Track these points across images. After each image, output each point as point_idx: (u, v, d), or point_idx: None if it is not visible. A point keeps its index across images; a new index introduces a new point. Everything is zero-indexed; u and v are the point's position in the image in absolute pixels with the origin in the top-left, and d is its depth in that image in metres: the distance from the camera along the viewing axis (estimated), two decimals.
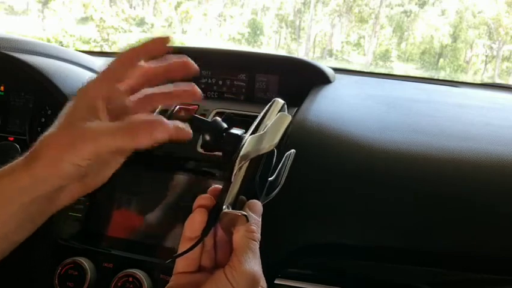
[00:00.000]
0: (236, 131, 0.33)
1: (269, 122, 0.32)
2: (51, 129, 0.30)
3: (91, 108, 0.30)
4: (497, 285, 0.47)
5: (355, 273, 0.50)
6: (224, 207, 0.30)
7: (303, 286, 0.47)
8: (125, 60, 0.32)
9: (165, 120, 0.29)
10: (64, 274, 0.52)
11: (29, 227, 0.32)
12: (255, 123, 0.33)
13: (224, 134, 0.33)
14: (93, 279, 0.51)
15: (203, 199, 0.32)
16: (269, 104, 0.35)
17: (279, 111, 0.33)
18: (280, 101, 0.35)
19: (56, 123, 0.30)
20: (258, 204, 0.32)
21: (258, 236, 0.30)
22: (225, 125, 0.33)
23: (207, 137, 0.32)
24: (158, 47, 0.33)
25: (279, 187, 0.36)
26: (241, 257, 0.28)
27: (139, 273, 0.50)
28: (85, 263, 0.51)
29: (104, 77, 0.32)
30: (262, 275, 0.30)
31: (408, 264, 0.48)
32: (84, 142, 0.28)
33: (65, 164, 0.28)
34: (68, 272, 0.51)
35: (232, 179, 0.31)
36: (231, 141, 0.32)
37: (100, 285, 0.52)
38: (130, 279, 0.50)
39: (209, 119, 0.34)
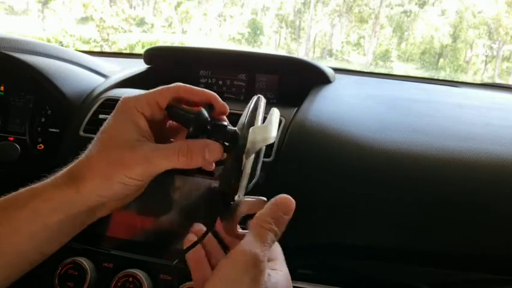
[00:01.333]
0: (221, 122, 0.34)
1: (260, 116, 0.33)
2: (94, 148, 0.31)
3: (137, 127, 0.31)
4: (497, 285, 0.47)
5: (355, 273, 0.50)
6: (236, 197, 0.30)
7: (303, 286, 0.47)
8: (168, 89, 0.33)
9: (216, 142, 0.32)
10: (64, 274, 0.51)
11: (63, 241, 0.34)
12: (247, 116, 0.33)
13: (209, 126, 0.32)
14: (93, 279, 0.51)
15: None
16: (253, 100, 0.35)
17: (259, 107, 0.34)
18: (263, 98, 0.36)
19: (98, 142, 0.31)
20: (287, 201, 0.32)
21: (272, 227, 0.29)
22: (208, 117, 0.33)
23: (191, 129, 0.32)
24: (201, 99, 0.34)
25: (256, 179, 0.36)
26: (246, 238, 0.28)
27: (139, 273, 0.50)
28: (85, 263, 0.51)
29: (147, 97, 0.33)
30: (289, 277, 0.32)
31: (408, 264, 0.48)
32: (138, 164, 0.30)
33: (115, 183, 0.30)
34: (68, 272, 0.51)
35: (242, 168, 0.31)
36: (219, 132, 0.32)
37: (100, 285, 0.52)
38: (130, 279, 0.50)
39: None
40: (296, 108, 0.62)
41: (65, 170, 0.32)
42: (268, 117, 0.32)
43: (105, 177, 0.30)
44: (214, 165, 0.36)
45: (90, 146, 0.32)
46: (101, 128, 0.32)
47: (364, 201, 0.48)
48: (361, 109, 0.64)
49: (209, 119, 0.32)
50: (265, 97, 0.78)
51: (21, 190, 0.31)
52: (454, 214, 0.47)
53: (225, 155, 0.33)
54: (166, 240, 0.54)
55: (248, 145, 0.31)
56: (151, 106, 0.32)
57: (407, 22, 10.47)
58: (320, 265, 0.50)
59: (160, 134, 0.34)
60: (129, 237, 0.55)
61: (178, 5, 9.92)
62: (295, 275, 0.48)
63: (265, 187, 0.51)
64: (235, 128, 0.33)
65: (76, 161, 0.32)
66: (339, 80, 0.80)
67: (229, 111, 0.35)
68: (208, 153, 0.31)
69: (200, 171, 0.57)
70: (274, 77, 0.77)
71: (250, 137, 0.31)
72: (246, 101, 0.77)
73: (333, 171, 0.50)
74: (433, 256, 0.47)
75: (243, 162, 0.31)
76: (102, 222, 0.57)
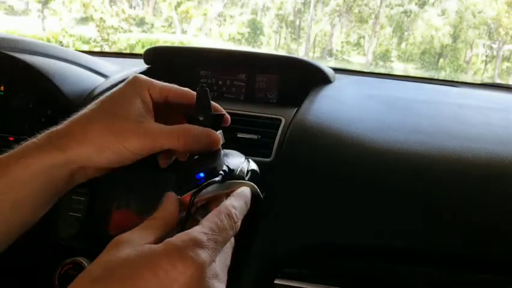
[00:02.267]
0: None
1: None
2: (94, 113, 0.31)
3: (144, 104, 0.32)
4: (497, 285, 0.47)
5: (355, 273, 0.50)
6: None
7: (303, 286, 0.47)
8: (188, 94, 0.35)
9: (216, 133, 0.33)
10: (64, 274, 0.52)
11: (45, 208, 0.33)
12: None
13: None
14: None
15: None
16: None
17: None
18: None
19: (100, 109, 0.31)
20: (245, 190, 0.31)
21: (234, 219, 0.27)
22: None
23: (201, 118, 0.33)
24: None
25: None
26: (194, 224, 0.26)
27: None
28: (85, 263, 0.51)
29: (162, 85, 0.34)
30: (223, 276, 0.26)
31: (408, 265, 0.48)
32: (139, 137, 0.30)
33: (108, 152, 0.30)
34: (68, 272, 0.51)
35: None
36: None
37: None
38: None
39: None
40: (296, 108, 0.62)
41: (51, 131, 0.31)
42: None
43: (100, 145, 0.29)
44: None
45: (87, 111, 0.31)
46: (103, 97, 0.32)
47: (364, 201, 0.48)
48: (361, 109, 0.64)
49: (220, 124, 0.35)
50: (265, 97, 0.78)
51: (1, 156, 0.30)
52: (453, 214, 0.47)
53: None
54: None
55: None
56: (161, 94, 0.33)
57: (407, 22, 10.47)
58: (319, 265, 0.50)
59: (160, 116, 0.34)
60: None
61: (178, 5, 9.92)
62: (295, 275, 0.48)
63: (265, 187, 0.51)
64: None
65: (66, 123, 0.31)
66: (339, 80, 0.80)
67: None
68: (206, 139, 0.32)
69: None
70: (274, 77, 0.77)
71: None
72: (246, 101, 0.78)
73: (333, 171, 0.50)
74: (433, 256, 0.47)
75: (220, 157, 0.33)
76: (102, 222, 0.57)
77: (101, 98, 0.32)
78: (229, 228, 0.26)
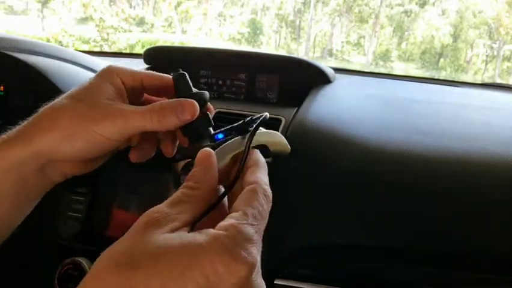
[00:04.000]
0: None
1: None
2: (61, 100, 0.29)
3: (116, 89, 0.30)
4: (497, 285, 0.47)
5: (355, 273, 0.50)
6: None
7: (303, 286, 0.47)
8: (161, 77, 0.32)
9: (190, 99, 0.29)
10: (64, 274, 0.51)
11: (25, 208, 0.31)
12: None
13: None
14: None
15: None
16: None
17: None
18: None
19: (68, 95, 0.29)
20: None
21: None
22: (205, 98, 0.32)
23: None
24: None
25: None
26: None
27: None
28: (85, 263, 0.51)
29: (133, 71, 0.32)
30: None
31: (408, 264, 0.48)
32: (109, 119, 0.28)
33: (79, 140, 0.28)
34: (68, 272, 0.51)
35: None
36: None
37: None
38: None
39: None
40: (296, 108, 0.62)
41: (22, 124, 0.29)
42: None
43: (69, 132, 0.27)
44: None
45: (55, 101, 0.30)
46: (74, 88, 0.30)
47: (364, 201, 0.48)
48: (361, 109, 0.64)
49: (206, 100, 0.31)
50: (265, 97, 0.78)
51: None
52: (454, 214, 0.47)
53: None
54: None
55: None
56: (134, 80, 0.31)
57: (407, 22, 10.47)
58: (319, 265, 0.50)
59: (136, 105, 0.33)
60: None
61: (178, 4, 9.93)
62: (295, 275, 0.48)
63: None
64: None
65: (35, 114, 0.29)
66: (339, 80, 0.80)
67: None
68: (180, 110, 0.29)
69: None
70: (274, 77, 0.77)
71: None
72: (246, 101, 0.78)
73: (333, 171, 0.50)
74: (433, 256, 0.47)
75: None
76: (102, 222, 0.57)
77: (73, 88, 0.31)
78: (268, 211, 0.23)
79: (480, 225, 0.46)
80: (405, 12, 10.31)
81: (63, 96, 0.30)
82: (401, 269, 0.49)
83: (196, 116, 0.29)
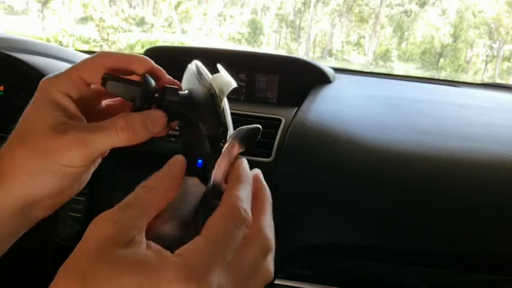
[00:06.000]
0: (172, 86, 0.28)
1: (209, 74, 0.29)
2: (13, 139, 0.26)
3: (61, 108, 0.26)
4: (497, 285, 0.47)
5: (355, 273, 0.49)
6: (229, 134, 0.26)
7: (303, 286, 0.47)
8: (92, 60, 0.27)
9: (157, 110, 0.27)
10: None
11: (5, 245, 0.29)
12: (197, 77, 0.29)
13: (157, 94, 0.27)
14: None
15: None
16: (190, 68, 0.30)
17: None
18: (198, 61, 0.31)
19: (17, 132, 0.26)
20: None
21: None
22: (154, 84, 0.27)
23: (137, 101, 0.27)
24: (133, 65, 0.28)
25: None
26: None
27: None
28: None
29: (68, 74, 0.27)
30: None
31: (408, 265, 0.48)
32: (70, 148, 0.25)
33: (46, 177, 0.25)
34: None
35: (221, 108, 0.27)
36: (172, 97, 0.27)
37: None
38: None
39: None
40: (296, 108, 0.62)
41: None
42: (219, 69, 0.29)
43: (32, 171, 0.25)
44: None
45: (9, 138, 0.27)
46: (21, 117, 0.27)
47: (364, 201, 0.48)
48: (361, 109, 0.64)
49: (155, 85, 0.27)
50: (265, 97, 0.78)
51: None
52: (454, 214, 0.46)
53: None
54: None
55: (218, 91, 0.27)
56: (75, 84, 0.27)
57: (407, 22, 10.47)
58: (319, 265, 0.50)
59: (94, 116, 0.29)
60: None
61: (178, 4, 9.93)
62: (295, 275, 0.48)
63: None
64: (187, 90, 0.28)
65: None
66: (339, 80, 0.80)
67: (176, 83, 0.30)
68: (150, 122, 0.26)
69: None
70: (274, 77, 0.77)
71: (215, 83, 0.27)
72: (246, 101, 0.78)
73: (333, 171, 0.50)
74: (433, 256, 0.47)
75: (220, 105, 0.27)
76: None
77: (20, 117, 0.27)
78: (239, 234, 0.21)
79: (480, 225, 0.46)
80: (405, 12, 10.31)
81: (13, 133, 0.27)
82: (401, 270, 0.49)
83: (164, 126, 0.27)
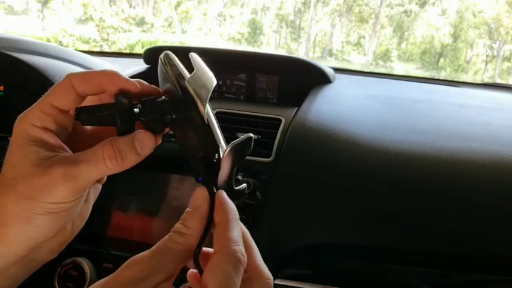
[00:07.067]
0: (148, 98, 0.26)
1: (184, 69, 0.28)
2: (0, 187, 0.24)
3: (41, 143, 0.25)
4: (497, 286, 0.47)
5: (355, 273, 0.49)
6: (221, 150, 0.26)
7: (303, 286, 0.47)
8: (61, 86, 0.26)
9: (143, 130, 0.26)
10: (64, 274, 0.51)
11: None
12: (172, 75, 0.28)
13: (136, 108, 0.26)
14: (93, 279, 0.51)
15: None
16: (164, 64, 0.29)
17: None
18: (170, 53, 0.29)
19: (3, 178, 0.25)
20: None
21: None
22: (127, 100, 0.25)
23: (119, 124, 0.25)
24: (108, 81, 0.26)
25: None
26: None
27: None
28: (85, 263, 0.51)
29: (40, 106, 0.26)
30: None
31: (408, 265, 0.48)
32: (57, 185, 0.23)
33: (40, 220, 0.24)
34: (68, 272, 0.51)
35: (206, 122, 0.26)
36: (152, 110, 0.26)
37: None
38: None
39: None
40: (296, 108, 0.62)
41: None
42: (193, 63, 0.28)
43: (25, 217, 0.23)
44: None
45: None
46: (4, 161, 0.25)
47: (364, 201, 0.48)
48: (361, 109, 0.64)
49: (130, 103, 0.25)
50: (265, 97, 0.78)
51: None
52: (454, 214, 0.46)
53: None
54: None
55: (196, 97, 0.25)
56: (49, 114, 0.25)
57: (407, 22, 10.47)
58: (320, 265, 0.50)
59: (79, 142, 0.27)
60: (129, 238, 0.55)
61: (178, 4, 9.92)
62: (295, 275, 0.48)
63: (265, 187, 0.51)
64: (163, 97, 0.27)
65: None
66: (339, 80, 0.80)
67: (148, 88, 0.28)
68: (139, 145, 0.25)
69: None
70: (274, 77, 0.77)
71: (192, 88, 0.26)
72: (246, 101, 0.78)
73: (333, 171, 0.50)
74: (433, 256, 0.47)
75: (203, 116, 0.26)
76: (102, 222, 0.57)
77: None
78: (239, 277, 0.22)
79: (480, 225, 0.46)
80: (405, 12, 10.31)
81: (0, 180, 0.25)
82: (401, 270, 0.49)
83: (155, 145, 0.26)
